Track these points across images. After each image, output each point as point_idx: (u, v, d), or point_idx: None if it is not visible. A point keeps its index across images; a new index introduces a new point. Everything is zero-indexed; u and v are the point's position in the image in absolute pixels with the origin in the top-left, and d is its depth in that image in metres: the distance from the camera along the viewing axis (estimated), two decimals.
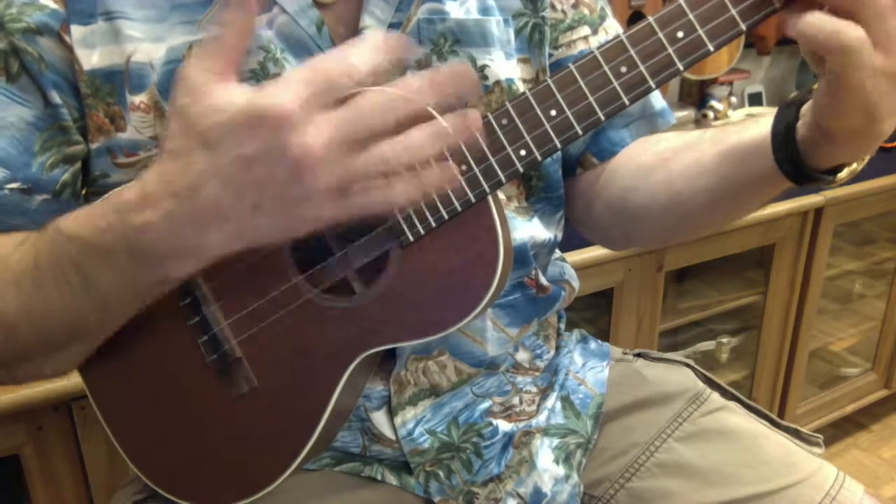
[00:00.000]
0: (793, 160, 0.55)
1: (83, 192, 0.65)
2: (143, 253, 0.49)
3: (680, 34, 0.51)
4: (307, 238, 0.59)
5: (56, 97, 0.59)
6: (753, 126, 0.59)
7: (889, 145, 1.86)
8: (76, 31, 0.58)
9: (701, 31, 0.51)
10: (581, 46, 0.72)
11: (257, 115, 0.43)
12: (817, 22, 0.46)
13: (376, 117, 0.44)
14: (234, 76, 0.46)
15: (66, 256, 0.52)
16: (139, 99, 0.59)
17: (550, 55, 0.71)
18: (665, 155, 0.69)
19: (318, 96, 0.43)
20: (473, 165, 0.56)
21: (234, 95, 0.44)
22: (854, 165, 0.56)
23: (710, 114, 1.89)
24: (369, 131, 0.44)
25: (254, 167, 0.44)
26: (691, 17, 0.51)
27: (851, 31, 0.45)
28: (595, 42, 0.73)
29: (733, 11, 0.50)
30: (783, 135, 0.55)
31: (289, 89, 0.43)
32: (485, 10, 0.66)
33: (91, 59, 0.58)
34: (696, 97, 1.95)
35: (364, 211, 0.46)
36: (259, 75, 0.60)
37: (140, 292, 0.53)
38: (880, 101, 0.48)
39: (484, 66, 0.65)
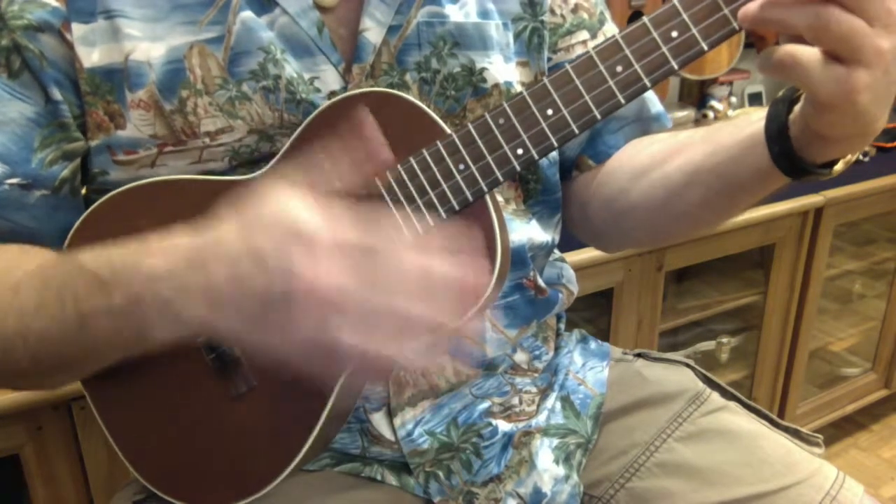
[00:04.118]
0: (788, 155, 0.55)
1: (83, 189, 0.65)
2: (139, 297, 0.48)
3: (674, 34, 0.51)
4: None
5: (57, 94, 0.59)
6: (746, 124, 0.60)
7: (889, 145, 1.86)
8: (77, 28, 0.58)
9: (695, 31, 0.51)
10: (579, 51, 0.72)
11: (296, 230, 0.43)
12: (780, 54, 0.48)
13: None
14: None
15: (72, 291, 0.52)
16: (139, 97, 0.59)
17: (549, 59, 0.71)
18: (660, 156, 0.69)
19: (355, 253, 0.43)
20: (470, 163, 0.56)
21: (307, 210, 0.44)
22: (849, 157, 0.56)
23: (710, 114, 1.89)
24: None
25: (263, 267, 0.44)
26: (685, 16, 0.51)
27: (806, 51, 0.47)
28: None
29: (726, 11, 0.50)
30: (776, 132, 0.55)
31: (340, 235, 0.43)
32: (484, 14, 0.66)
33: (91, 57, 0.59)
34: (696, 97, 1.96)
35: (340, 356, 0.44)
36: (259, 76, 0.60)
37: (123, 339, 0.52)
38: (868, 108, 0.48)
39: (483, 69, 0.65)
